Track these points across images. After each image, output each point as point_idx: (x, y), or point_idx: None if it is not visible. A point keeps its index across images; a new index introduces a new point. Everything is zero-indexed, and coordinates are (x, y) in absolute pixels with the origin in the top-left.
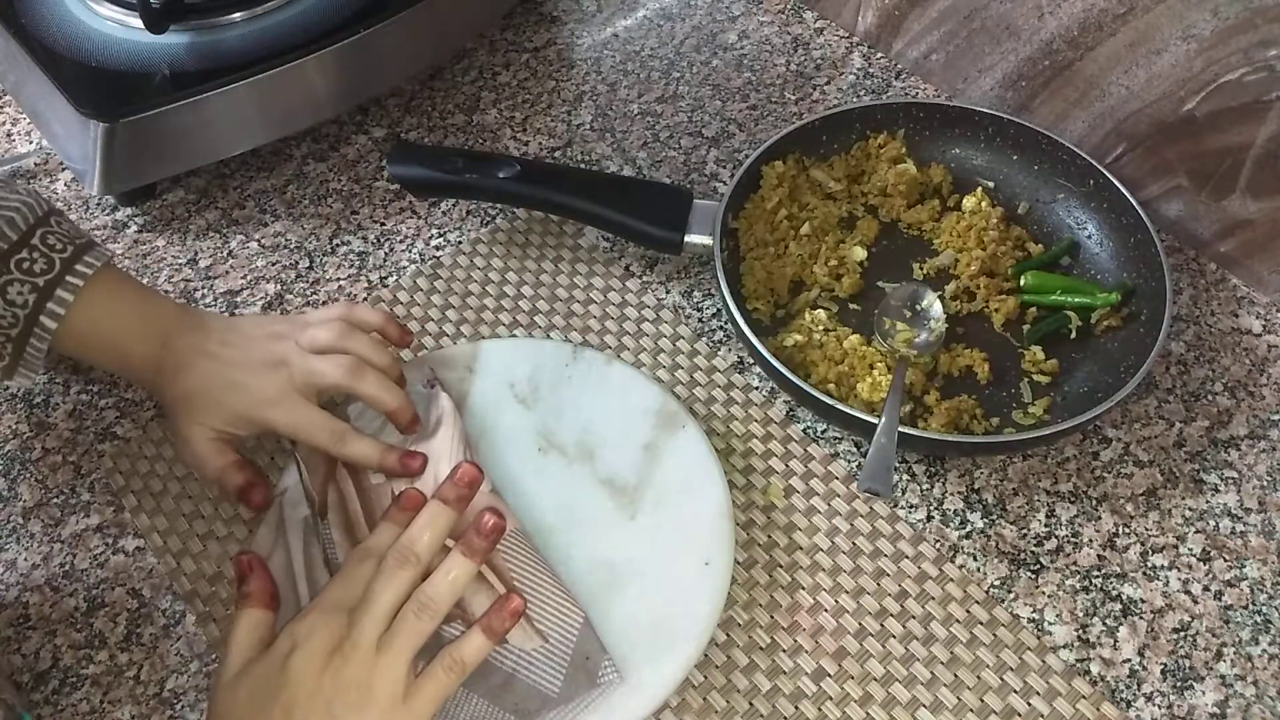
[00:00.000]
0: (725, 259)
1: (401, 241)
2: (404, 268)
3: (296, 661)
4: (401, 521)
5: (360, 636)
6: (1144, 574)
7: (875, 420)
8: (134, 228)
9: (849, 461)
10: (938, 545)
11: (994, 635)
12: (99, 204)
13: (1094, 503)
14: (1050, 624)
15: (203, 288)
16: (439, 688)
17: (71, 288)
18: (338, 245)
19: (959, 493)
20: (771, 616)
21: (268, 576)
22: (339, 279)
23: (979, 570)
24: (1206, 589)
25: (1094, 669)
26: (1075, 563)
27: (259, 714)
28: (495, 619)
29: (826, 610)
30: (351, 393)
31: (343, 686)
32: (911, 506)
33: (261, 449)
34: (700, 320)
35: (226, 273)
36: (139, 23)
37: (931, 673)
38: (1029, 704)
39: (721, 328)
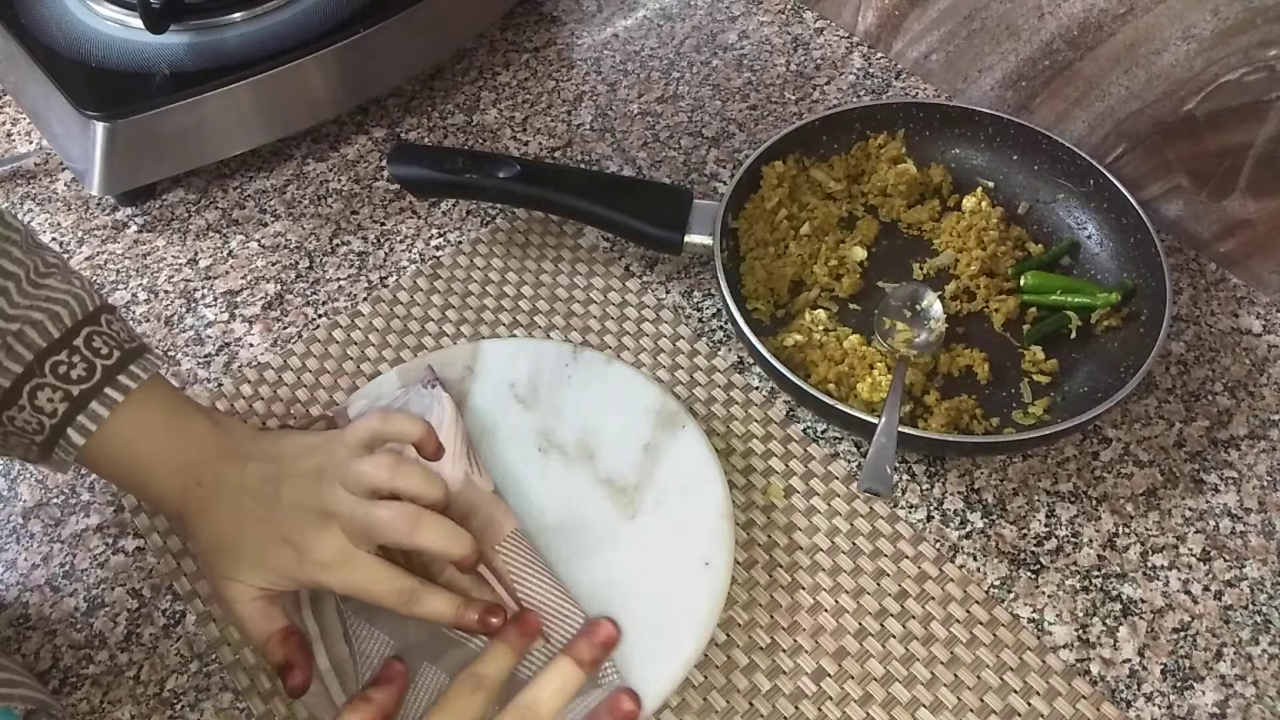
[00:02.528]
0: (725, 259)
1: (401, 241)
2: (404, 268)
3: None
4: (517, 649)
5: None
6: (1144, 574)
7: (875, 420)
8: (134, 228)
9: (849, 461)
10: (938, 545)
11: (994, 635)
12: (99, 204)
13: (1094, 503)
14: (1050, 624)
15: (203, 288)
16: None
17: (108, 402)
18: (338, 245)
19: (959, 493)
20: (771, 616)
21: (398, 700)
22: (339, 279)
23: (979, 570)
24: (1206, 589)
25: (1094, 669)
26: (1075, 563)
27: None
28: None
29: (826, 610)
30: (412, 548)
31: None
32: (911, 506)
33: None
34: (700, 320)
35: (226, 273)
36: (139, 23)
37: (931, 673)
38: (1029, 704)
39: (721, 328)
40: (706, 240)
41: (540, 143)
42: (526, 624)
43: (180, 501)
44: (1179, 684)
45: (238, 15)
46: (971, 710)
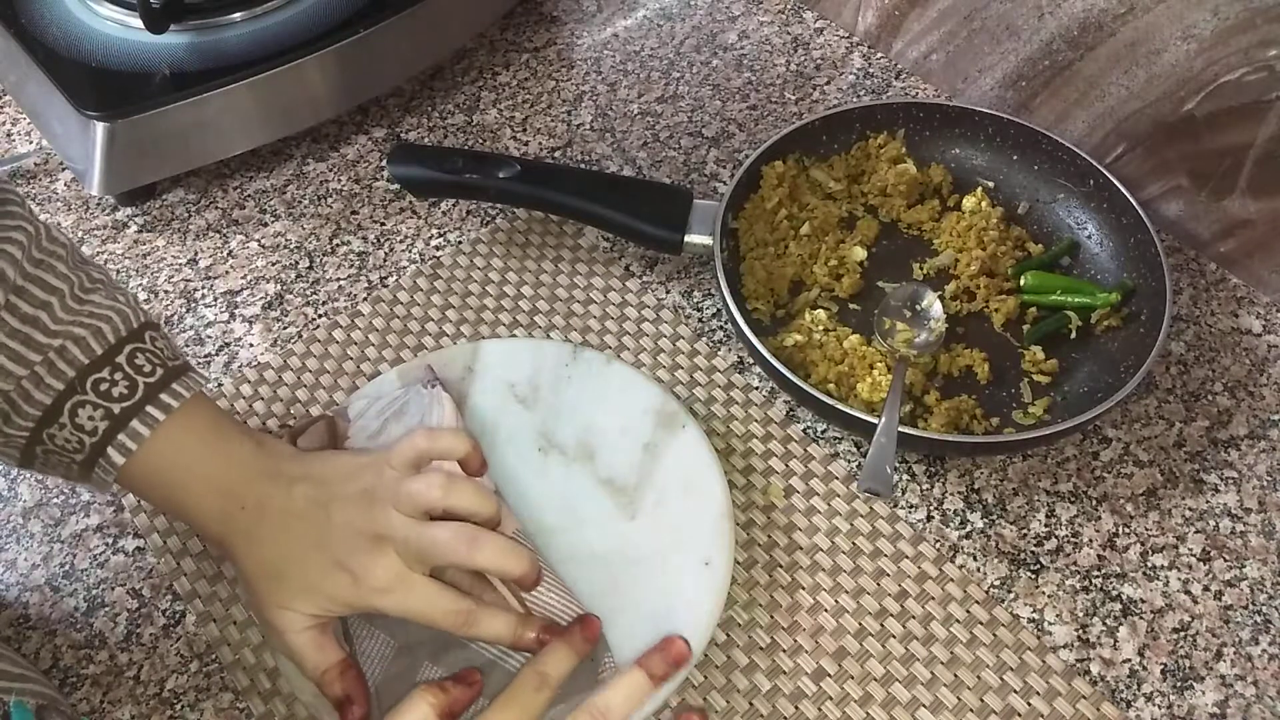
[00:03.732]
0: (725, 259)
1: (401, 241)
2: (404, 268)
3: None
4: (581, 651)
5: None
6: (1144, 574)
7: (875, 420)
8: (134, 228)
9: (849, 461)
10: (938, 545)
11: (994, 635)
12: (99, 204)
13: (1094, 503)
14: (1050, 624)
15: (203, 288)
16: None
17: (150, 421)
18: (338, 245)
19: (959, 493)
20: (771, 616)
21: (471, 700)
22: (339, 279)
23: (979, 570)
24: (1206, 589)
25: (1094, 669)
26: (1075, 563)
27: None
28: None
29: (826, 610)
30: (472, 568)
31: None
32: (911, 506)
33: None
34: (700, 320)
35: (226, 273)
36: (139, 23)
37: (931, 673)
38: (1029, 704)
39: (721, 328)
40: (706, 240)
41: (540, 143)
42: (589, 627)
43: (223, 525)
44: (1179, 684)
45: (238, 15)
46: (971, 710)
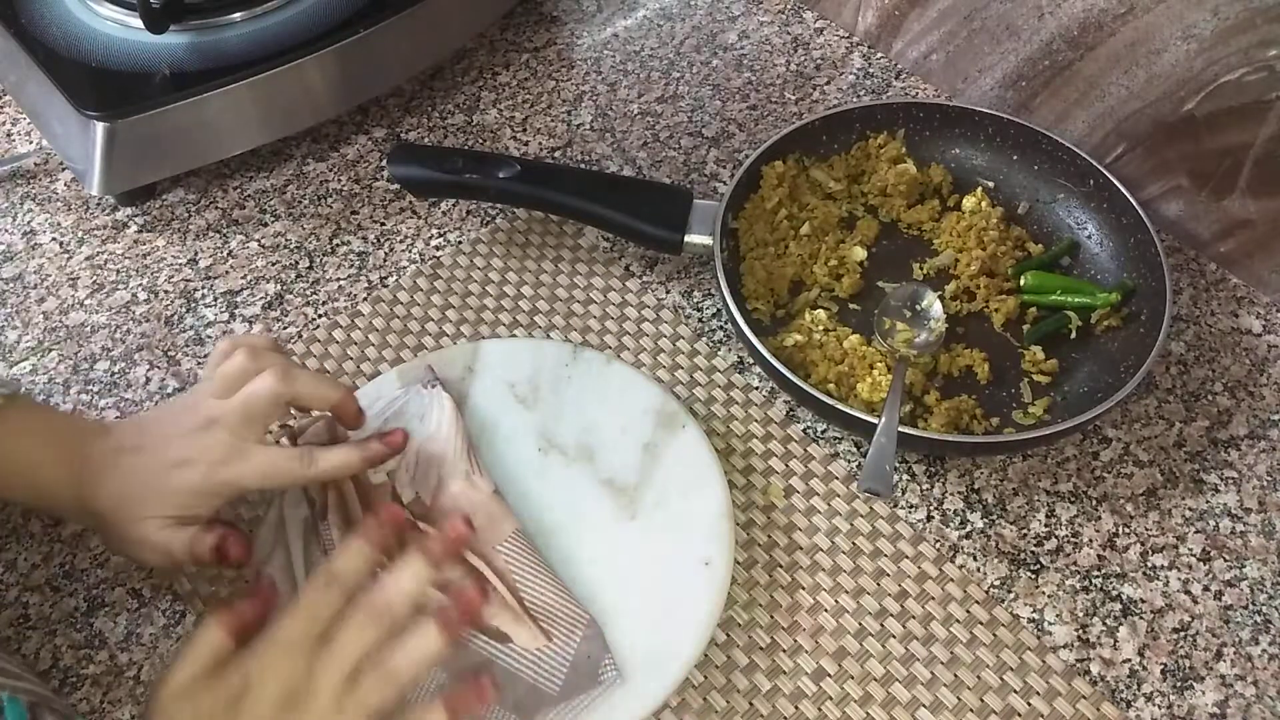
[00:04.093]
0: (725, 259)
1: (401, 241)
2: (404, 268)
3: (248, 706)
4: (375, 541)
5: (318, 689)
6: (1144, 574)
7: (875, 420)
8: (134, 228)
9: (849, 461)
10: (938, 545)
11: (994, 635)
12: (99, 204)
13: (1094, 503)
14: (1050, 624)
15: (203, 288)
16: None
17: None
18: (338, 245)
19: (959, 493)
20: (771, 616)
21: (262, 615)
22: (339, 279)
23: (979, 570)
24: (1206, 589)
25: (1094, 669)
26: (1075, 563)
27: None
28: (460, 701)
29: (826, 610)
30: (291, 399)
31: None
32: (911, 506)
33: None
34: (700, 320)
35: (226, 273)
36: (139, 23)
37: (931, 673)
38: (1029, 704)
39: (721, 328)
40: (706, 240)
41: (540, 143)
42: (389, 514)
43: (74, 484)
44: (1179, 684)
45: (238, 15)
46: (971, 710)
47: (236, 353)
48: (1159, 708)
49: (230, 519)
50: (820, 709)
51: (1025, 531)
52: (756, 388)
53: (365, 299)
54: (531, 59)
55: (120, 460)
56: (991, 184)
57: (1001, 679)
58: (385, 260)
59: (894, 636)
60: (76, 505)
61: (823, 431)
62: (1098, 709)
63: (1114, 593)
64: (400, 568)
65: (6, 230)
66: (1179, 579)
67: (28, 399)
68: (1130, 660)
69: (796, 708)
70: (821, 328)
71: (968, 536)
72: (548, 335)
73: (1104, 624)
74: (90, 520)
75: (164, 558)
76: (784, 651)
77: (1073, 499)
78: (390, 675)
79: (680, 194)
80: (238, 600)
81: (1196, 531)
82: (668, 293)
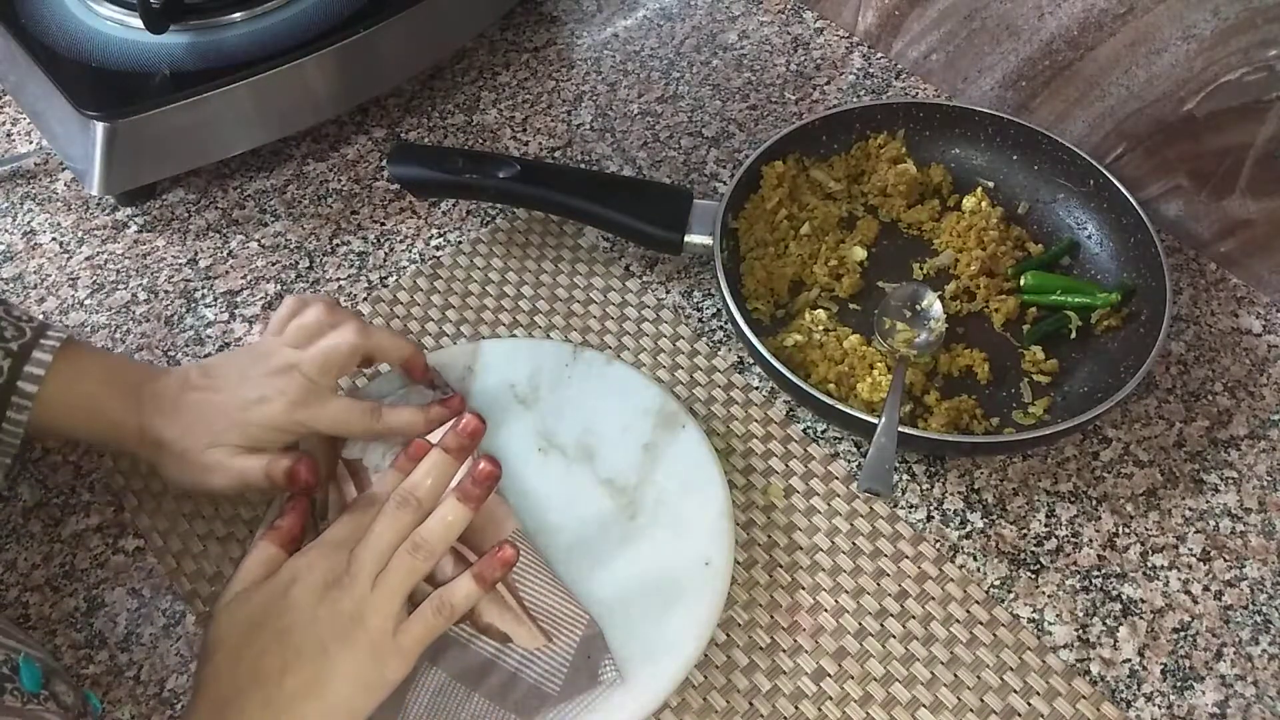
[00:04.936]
0: (725, 259)
1: (401, 241)
2: (404, 268)
3: (296, 592)
4: (406, 469)
5: (358, 571)
6: (1144, 574)
7: (875, 420)
8: (134, 228)
9: (849, 461)
10: (938, 545)
11: (994, 635)
12: (99, 204)
13: (1094, 503)
14: (1050, 624)
15: (203, 288)
16: (427, 628)
17: (49, 349)
18: (338, 245)
19: (959, 493)
20: (771, 616)
21: (303, 523)
22: (339, 279)
23: (979, 570)
24: (1206, 589)
25: (1094, 669)
26: (1075, 563)
27: (256, 638)
28: (487, 567)
29: (826, 610)
30: (370, 351)
31: (337, 618)
32: (911, 506)
33: None
34: (700, 320)
35: (226, 273)
36: (139, 23)
37: (931, 673)
38: (1029, 704)
39: (721, 328)
40: (706, 240)
41: (540, 143)
42: (417, 448)
43: (140, 419)
44: (1179, 684)
45: (238, 15)
46: (971, 710)
47: (310, 308)
48: (1159, 708)
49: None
50: (820, 709)
51: (1025, 531)
52: (756, 388)
53: (365, 299)
54: (531, 59)
55: (189, 396)
56: (991, 184)
57: (1001, 679)
58: (385, 260)
59: (894, 636)
60: (141, 438)
61: (823, 431)
62: (1098, 709)
63: (1114, 593)
64: (423, 463)
65: (6, 230)
66: (1179, 579)
67: (83, 342)
68: (1130, 660)
69: (796, 708)
70: (821, 328)
71: (968, 536)
72: (548, 335)
73: (1104, 624)
74: (154, 452)
75: (234, 480)
76: (784, 651)
77: (1073, 499)
78: (418, 547)
79: (680, 194)
80: (279, 519)
81: (1196, 531)
82: (668, 293)
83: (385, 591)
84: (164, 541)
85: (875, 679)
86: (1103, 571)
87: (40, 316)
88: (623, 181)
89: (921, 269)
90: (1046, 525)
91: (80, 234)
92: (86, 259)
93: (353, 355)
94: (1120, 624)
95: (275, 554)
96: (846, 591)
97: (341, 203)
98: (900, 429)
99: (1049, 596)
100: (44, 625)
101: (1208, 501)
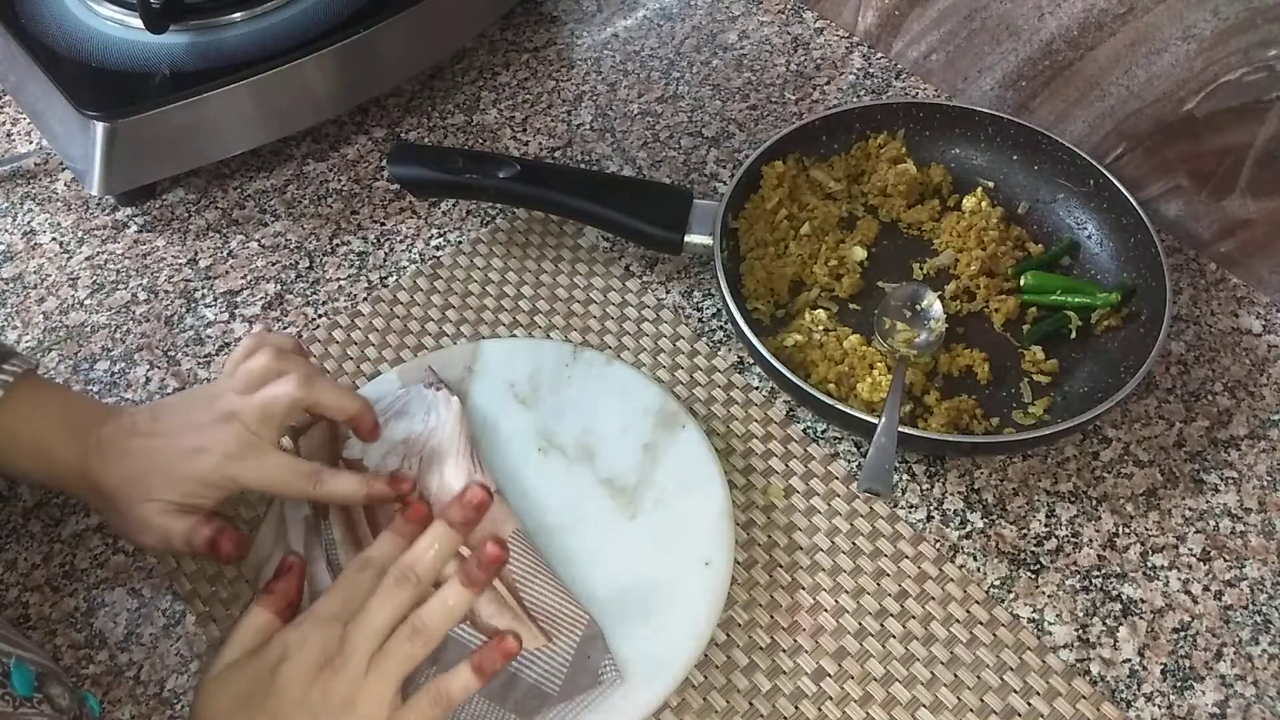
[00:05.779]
0: (725, 259)
1: (401, 241)
2: (404, 268)
3: (286, 670)
4: (405, 534)
5: (352, 652)
6: (1144, 574)
7: (875, 420)
8: (134, 228)
9: (849, 461)
10: (938, 545)
11: (994, 635)
12: (99, 204)
13: (1094, 503)
14: (1050, 624)
15: (203, 288)
16: (421, 719)
17: (1, 384)
18: (338, 245)
19: (959, 493)
20: (771, 616)
21: (298, 587)
22: (339, 279)
23: (979, 570)
24: (1206, 589)
25: (1094, 669)
26: (1075, 563)
27: (242, 716)
28: (486, 658)
29: (826, 610)
30: (311, 406)
31: (329, 702)
32: (911, 506)
33: None
34: (700, 320)
35: (226, 273)
36: (139, 23)
37: (931, 673)
38: (1029, 704)
39: (721, 328)
40: (706, 240)
41: (540, 143)
42: (414, 511)
43: (83, 460)
44: (1179, 684)
45: (238, 15)
46: (971, 710)
47: (261, 352)
48: (1159, 708)
49: (230, 517)
50: (820, 709)
51: (1025, 531)
52: (756, 388)
53: (365, 299)
54: (531, 59)
55: (132, 443)
56: (991, 184)
57: (1001, 679)
58: (385, 260)
59: (894, 636)
60: (83, 482)
61: (823, 431)
62: (1098, 709)
63: (1114, 593)
64: (424, 536)
65: (6, 230)
66: (1179, 579)
67: (41, 378)
68: (1130, 660)
69: (796, 708)
70: (821, 328)
71: (968, 536)
72: (548, 335)
73: (1104, 624)
74: (94, 498)
75: (161, 542)
76: (784, 651)
77: (1073, 499)
78: (417, 631)
79: (680, 194)
80: (274, 582)
81: (1196, 531)
82: (668, 293)
83: (380, 676)
84: None
85: (875, 679)
86: (1103, 571)
87: (9, 343)
88: (623, 181)
89: (921, 269)
90: (1046, 525)
91: (80, 234)
92: (86, 259)
93: (293, 408)
94: (1120, 624)
95: (268, 621)
96: (846, 591)
97: (341, 203)
98: (900, 429)
99: (1049, 596)
100: (44, 625)
101: (1208, 501)
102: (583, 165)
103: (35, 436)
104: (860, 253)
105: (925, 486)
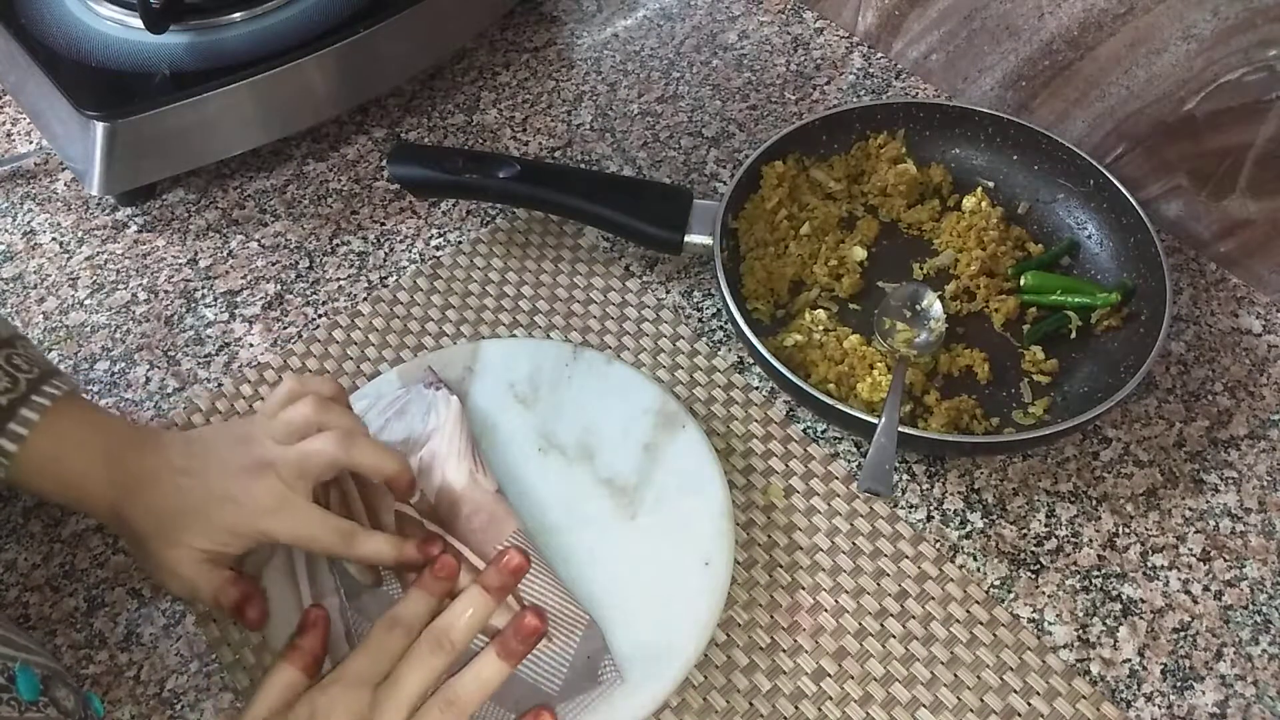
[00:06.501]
0: (725, 259)
1: (401, 241)
2: (404, 268)
3: None
4: (434, 591)
5: None
6: (1144, 574)
7: (875, 420)
8: (134, 228)
9: (849, 461)
10: (938, 545)
11: (994, 635)
12: (99, 204)
13: (1094, 503)
14: (1050, 624)
15: (203, 288)
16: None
17: (37, 407)
18: (338, 245)
19: (959, 493)
20: (771, 616)
21: (324, 641)
22: (339, 279)
23: (979, 570)
24: (1206, 589)
25: (1094, 669)
26: (1075, 563)
27: None
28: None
29: (826, 610)
30: (349, 467)
31: None
32: (911, 506)
33: None
34: (700, 320)
35: (226, 273)
36: (139, 23)
37: (931, 673)
38: (1029, 704)
39: (721, 328)
40: (706, 240)
41: (540, 143)
42: (443, 565)
43: (113, 493)
44: (1179, 684)
45: (238, 15)
46: (971, 710)
47: (304, 401)
48: (1159, 708)
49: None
50: (820, 709)
51: (1025, 531)
52: (756, 388)
53: (365, 299)
54: (531, 59)
55: (164, 479)
56: (991, 184)
57: (1001, 679)
58: (385, 260)
59: (894, 636)
60: (113, 515)
61: (823, 431)
62: (1098, 709)
63: (1114, 593)
64: (459, 600)
65: (6, 230)
66: (1179, 579)
67: (81, 399)
68: (1130, 660)
69: (796, 708)
70: (821, 328)
71: (968, 536)
72: (548, 335)
73: (1104, 624)
74: (124, 533)
75: (187, 593)
76: (784, 651)
77: (1073, 499)
78: (450, 704)
79: (680, 194)
80: (299, 637)
81: (1196, 531)
82: (668, 293)
83: None
84: None
85: (875, 679)
86: (1103, 571)
87: (52, 363)
88: (623, 181)
89: (921, 269)
90: (1046, 525)
91: (80, 234)
92: (86, 259)
93: (330, 468)
94: (1120, 624)
95: (295, 679)
96: (846, 591)
97: (341, 203)
98: (900, 429)
99: (1049, 596)
100: (44, 625)
101: (1208, 501)
102: (583, 165)
103: (67, 467)
104: (860, 253)
105: (925, 486)
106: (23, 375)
